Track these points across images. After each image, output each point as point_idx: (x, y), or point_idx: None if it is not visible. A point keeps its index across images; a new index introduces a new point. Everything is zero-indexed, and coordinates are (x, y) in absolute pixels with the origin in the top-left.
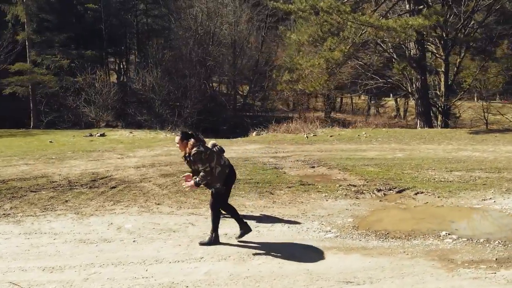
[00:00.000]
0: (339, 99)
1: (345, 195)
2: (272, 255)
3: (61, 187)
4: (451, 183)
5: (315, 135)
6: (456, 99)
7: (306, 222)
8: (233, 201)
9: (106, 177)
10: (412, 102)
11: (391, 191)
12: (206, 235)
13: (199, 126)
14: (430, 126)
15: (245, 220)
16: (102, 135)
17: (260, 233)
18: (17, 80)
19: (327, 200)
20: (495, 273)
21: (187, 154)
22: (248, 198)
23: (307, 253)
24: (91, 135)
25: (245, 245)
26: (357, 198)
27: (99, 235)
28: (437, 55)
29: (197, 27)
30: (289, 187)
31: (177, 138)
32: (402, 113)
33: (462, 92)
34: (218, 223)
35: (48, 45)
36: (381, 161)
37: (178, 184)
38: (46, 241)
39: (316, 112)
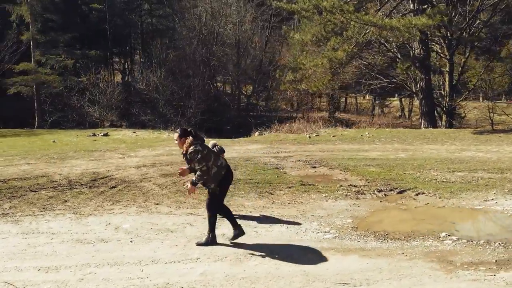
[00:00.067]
0: (344, 99)
1: (346, 195)
2: (269, 256)
3: (61, 186)
4: (453, 184)
5: (318, 135)
6: (461, 99)
7: (305, 223)
8: (232, 201)
9: (106, 177)
10: (417, 102)
11: (392, 192)
12: (204, 236)
13: (203, 126)
14: (435, 126)
15: (241, 221)
16: (105, 134)
17: (258, 233)
18: (21, 80)
19: (327, 201)
20: (494, 275)
21: (184, 152)
22: (248, 198)
23: (305, 254)
24: (94, 134)
25: (242, 245)
26: (357, 199)
27: (96, 235)
28: (441, 54)
29: (201, 27)
30: (289, 188)
31: (176, 135)
32: (407, 113)
33: (467, 92)
34: (215, 223)
35: (53, 45)
36: (383, 161)
37: (178, 184)
38: (43, 241)
39: (320, 112)
